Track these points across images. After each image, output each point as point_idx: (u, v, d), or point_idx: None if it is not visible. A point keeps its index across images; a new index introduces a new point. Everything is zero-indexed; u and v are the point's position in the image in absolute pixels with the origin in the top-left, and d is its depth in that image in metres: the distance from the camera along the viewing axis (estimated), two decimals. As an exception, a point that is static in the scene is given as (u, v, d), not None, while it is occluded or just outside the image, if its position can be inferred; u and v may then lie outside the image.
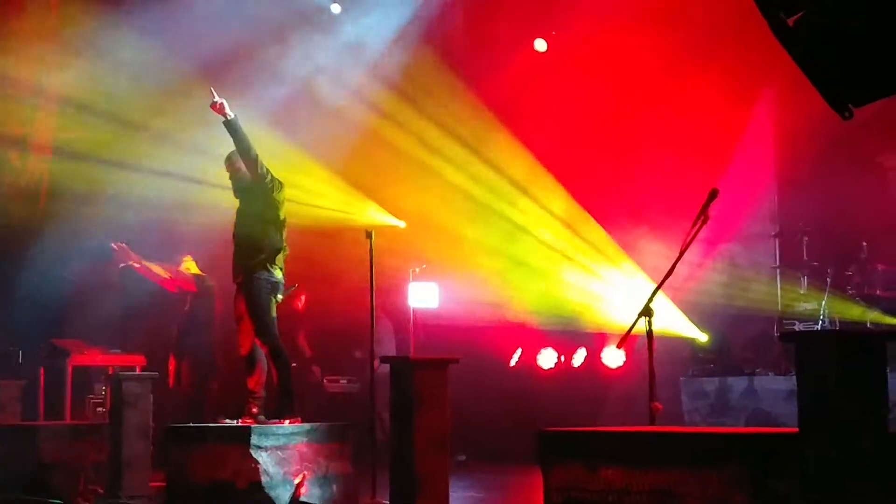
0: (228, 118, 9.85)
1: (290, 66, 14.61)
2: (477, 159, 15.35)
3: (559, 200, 15.32)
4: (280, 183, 10.26)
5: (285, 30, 14.60)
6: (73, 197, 14.15)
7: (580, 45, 14.82)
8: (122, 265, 12.40)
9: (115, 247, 12.12)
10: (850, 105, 4.18)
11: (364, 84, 15.25)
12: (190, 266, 12.88)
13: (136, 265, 12.36)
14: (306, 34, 14.78)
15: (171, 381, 12.28)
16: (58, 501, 10.49)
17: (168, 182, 13.97)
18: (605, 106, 14.49)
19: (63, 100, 14.29)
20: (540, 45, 15.60)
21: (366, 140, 15.15)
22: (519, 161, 15.29)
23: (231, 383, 13.35)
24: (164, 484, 10.09)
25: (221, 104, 9.83)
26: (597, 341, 14.93)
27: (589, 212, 15.12)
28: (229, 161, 10.26)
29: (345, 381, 15.82)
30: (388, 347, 15.26)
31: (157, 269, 12.62)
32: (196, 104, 11.47)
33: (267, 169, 10.11)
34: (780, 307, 13.70)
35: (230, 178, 10.31)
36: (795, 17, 4.17)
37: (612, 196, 14.91)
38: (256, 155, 10.01)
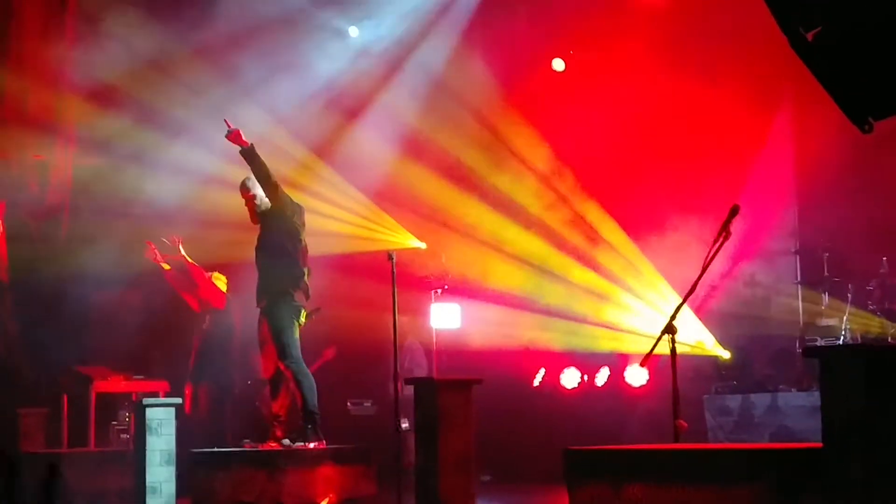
0: (245, 147, 9.87)
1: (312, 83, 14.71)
2: (498, 178, 15.38)
3: (579, 217, 15.32)
4: (300, 207, 10.28)
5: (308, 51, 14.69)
6: (94, 220, 14.15)
7: (597, 63, 14.83)
8: (166, 257, 12.20)
9: (174, 238, 12.04)
10: (870, 118, 4.18)
11: (389, 104, 15.26)
12: (220, 283, 12.72)
13: (186, 261, 12.20)
14: (328, 54, 14.86)
15: (187, 406, 12.20)
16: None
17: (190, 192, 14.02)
18: (623, 124, 14.47)
19: (82, 123, 14.34)
20: (557, 64, 15.59)
21: (391, 161, 15.21)
22: (539, 177, 15.31)
23: (248, 407, 13.38)
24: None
25: (237, 133, 9.83)
26: (620, 360, 14.88)
27: (610, 228, 15.11)
28: (244, 187, 10.27)
29: (369, 404, 15.79)
30: (420, 372, 15.16)
31: (199, 272, 12.45)
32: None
33: (286, 194, 10.14)
34: (801, 323, 13.67)
35: (246, 204, 10.32)
36: (814, 31, 4.18)
37: (632, 213, 14.89)
38: (276, 181, 10.02)
